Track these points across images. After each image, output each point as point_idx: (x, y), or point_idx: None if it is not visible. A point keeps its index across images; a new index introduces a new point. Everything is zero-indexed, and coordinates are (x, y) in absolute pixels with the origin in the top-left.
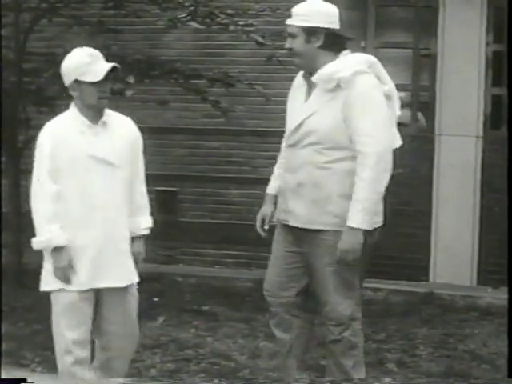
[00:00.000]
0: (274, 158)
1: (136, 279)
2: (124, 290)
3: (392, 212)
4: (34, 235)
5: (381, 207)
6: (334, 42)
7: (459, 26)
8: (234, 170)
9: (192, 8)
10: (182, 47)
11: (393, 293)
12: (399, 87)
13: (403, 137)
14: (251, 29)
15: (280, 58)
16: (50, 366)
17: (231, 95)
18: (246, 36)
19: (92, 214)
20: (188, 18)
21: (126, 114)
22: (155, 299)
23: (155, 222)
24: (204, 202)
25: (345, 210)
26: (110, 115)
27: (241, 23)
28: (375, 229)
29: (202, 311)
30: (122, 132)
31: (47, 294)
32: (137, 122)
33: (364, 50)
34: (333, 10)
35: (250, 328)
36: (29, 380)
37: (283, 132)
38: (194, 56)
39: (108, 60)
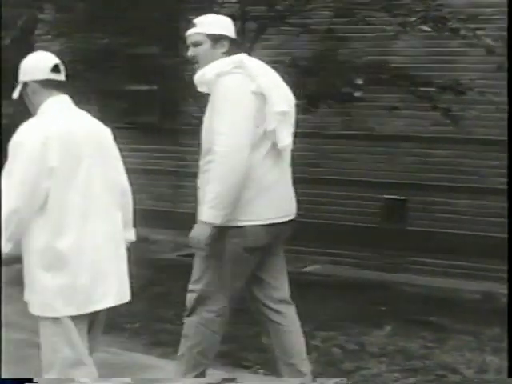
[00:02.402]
0: (504, 168)
1: None
2: None
3: None
4: None
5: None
6: (233, 49)
7: None
8: (463, 179)
9: (423, 13)
10: (412, 53)
11: None
12: None
13: None
14: (482, 33)
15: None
16: (273, 368)
17: (460, 103)
18: (477, 40)
19: None
20: (418, 21)
21: (356, 121)
22: (382, 308)
23: (382, 230)
24: (433, 211)
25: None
26: None
27: (472, 27)
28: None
29: (429, 322)
30: None
31: None
32: (365, 129)
33: None
34: (230, 21)
35: (478, 341)
36: (254, 382)
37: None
38: (424, 63)
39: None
